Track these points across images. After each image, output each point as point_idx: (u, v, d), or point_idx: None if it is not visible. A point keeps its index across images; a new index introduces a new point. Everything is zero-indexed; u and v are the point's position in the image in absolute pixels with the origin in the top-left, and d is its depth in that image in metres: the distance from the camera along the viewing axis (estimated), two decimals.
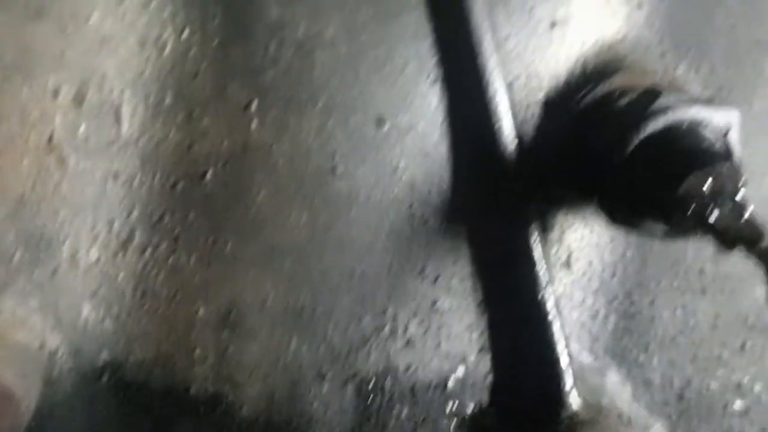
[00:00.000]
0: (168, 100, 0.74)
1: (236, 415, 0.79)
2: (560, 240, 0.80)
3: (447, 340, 0.79)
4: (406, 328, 0.78)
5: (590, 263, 0.82)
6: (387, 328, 0.78)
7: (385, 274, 0.76)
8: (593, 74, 0.77)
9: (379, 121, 0.73)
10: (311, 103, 0.72)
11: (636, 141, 0.67)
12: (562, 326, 0.79)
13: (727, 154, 0.65)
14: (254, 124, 0.73)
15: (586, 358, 0.83)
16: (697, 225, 0.61)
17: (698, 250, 0.81)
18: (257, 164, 0.73)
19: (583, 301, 0.82)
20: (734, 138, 0.69)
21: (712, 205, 0.61)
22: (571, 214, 0.80)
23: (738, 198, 0.61)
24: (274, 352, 0.77)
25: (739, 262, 0.79)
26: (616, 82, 0.75)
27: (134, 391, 0.79)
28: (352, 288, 0.76)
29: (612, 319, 0.83)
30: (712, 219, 0.60)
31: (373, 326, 0.77)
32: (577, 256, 0.81)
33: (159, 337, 0.78)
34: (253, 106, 0.72)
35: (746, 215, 0.60)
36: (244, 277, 0.75)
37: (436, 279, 0.77)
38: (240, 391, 0.78)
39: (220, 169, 0.74)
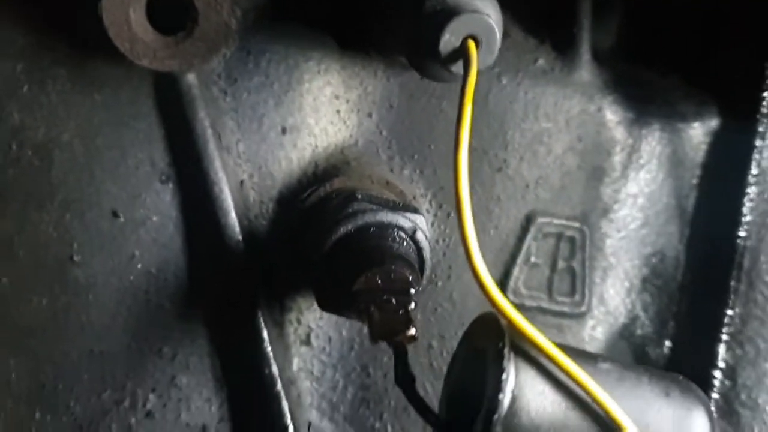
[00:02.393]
0: None
1: None
2: (299, 320, 0.89)
3: (187, 411, 0.86)
4: (145, 402, 0.85)
5: (329, 339, 0.90)
6: (127, 402, 0.84)
7: (124, 353, 0.83)
8: (322, 175, 0.86)
9: (114, 215, 0.81)
10: (50, 198, 0.79)
11: (331, 241, 0.76)
12: (297, 398, 0.87)
13: (403, 256, 0.75)
14: None
15: (326, 425, 0.91)
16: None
17: None
18: (0, 254, 0.80)
19: (324, 373, 0.90)
20: (420, 238, 0.79)
21: (377, 300, 0.69)
22: (309, 296, 0.89)
23: (404, 294, 0.70)
24: (19, 426, 0.82)
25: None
26: (336, 184, 0.84)
27: None
28: (92, 365, 0.82)
29: (350, 389, 0.91)
30: (369, 312, 0.68)
31: (113, 399, 0.84)
32: (317, 333, 0.90)
33: None
34: None
35: (402, 310, 0.69)
36: None
37: (173, 357, 0.85)
38: None
39: None
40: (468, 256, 0.56)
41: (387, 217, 0.77)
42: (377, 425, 0.92)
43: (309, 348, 0.89)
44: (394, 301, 0.68)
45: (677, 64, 1.00)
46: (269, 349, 0.83)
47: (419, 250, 0.78)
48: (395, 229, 0.77)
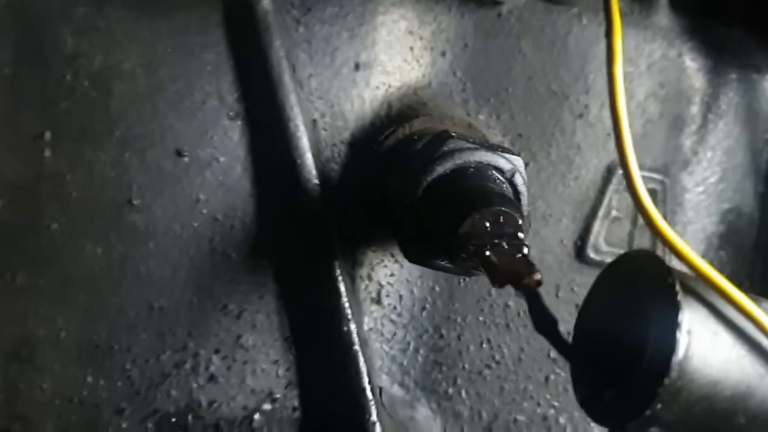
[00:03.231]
0: None
1: None
2: (370, 276, 0.82)
3: (252, 375, 0.79)
4: (208, 364, 0.77)
5: (400, 298, 0.84)
6: (188, 364, 0.76)
7: (186, 309, 0.75)
8: (397, 117, 0.79)
9: (178, 154, 0.73)
10: (107, 134, 0.71)
11: (425, 183, 0.69)
12: (370, 359, 0.80)
13: (509, 197, 0.68)
14: (47, 154, 0.71)
15: (396, 390, 0.84)
16: (477, 263, 0.64)
17: None
18: (51, 195, 0.71)
19: (394, 334, 0.84)
20: (519, 181, 0.72)
21: (489, 244, 0.63)
22: (381, 250, 0.82)
23: (515, 238, 0.64)
24: (69, 388, 0.74)
25: None
26: (416, 125, 0.78)
27: None
28: (150, 323, 0.75)
29: (422, 352, 0.85)
30: (486, 257, 0.62)
31: (173, 362, 0.76)
32: (387, 291, 0.83)
33: None
34: (47, 136, 0.70)
35: (519, 254, 0.62)
36: (35, 311, 0.73)
37: (240, 314, 0.77)
38: (32, 429, 0.75)
39: (11, 199, 0.71)
40: (629, 182, 0.50)
41: (486, 156, 0.70)
42: (450, 391, 0.86)
43: (379, 307, 0.83)
44: (505, 245, 0.62)
45: (746, 16, 0.96)
46: (347, 304, 0.76)
47: (518, 194, 0.72)
48: (494, 170, 0.71)
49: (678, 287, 0.48)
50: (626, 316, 0.52)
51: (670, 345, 0.47)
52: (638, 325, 0.50)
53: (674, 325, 0.47)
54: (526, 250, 0.62)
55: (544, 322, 0.55)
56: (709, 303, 0.50)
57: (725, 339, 0.49)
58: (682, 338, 0.47)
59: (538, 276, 0.58)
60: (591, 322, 0.57)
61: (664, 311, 0.48)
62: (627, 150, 0.51)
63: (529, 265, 0.59)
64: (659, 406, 0.46)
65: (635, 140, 0.87)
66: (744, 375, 0.49)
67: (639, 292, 0.52)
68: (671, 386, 0.46)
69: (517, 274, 0.58)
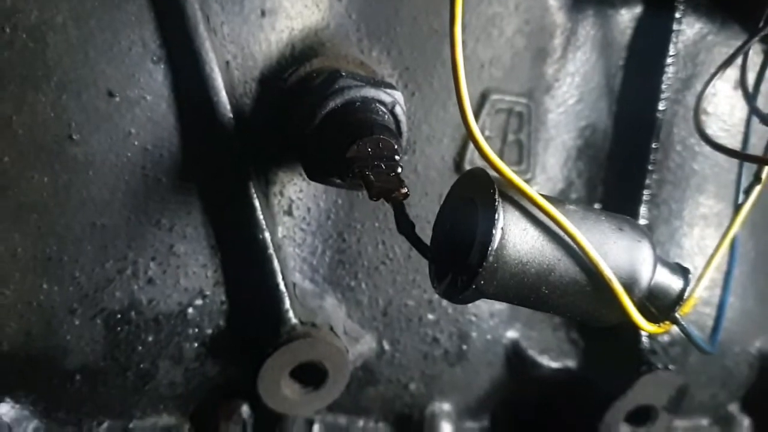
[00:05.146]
0: None
1: None
2: (282, 192, 0.97)
3: (185, 277, 0.94)
4: (146, 270, 0.92)
5: (308, 210, 0.99)
6: (129, 270, 0.91)
7: (124, 225, 0.89)
8: (299, 56, 0.92)
9: (110, 94, 0.85)
10: (46, 79, 0.82)
11: (320, 115, 0.84)
12: (284, 261, 0.97)
13: (388, 127, 0.83)
14: None
15: (308, 285, 1.01)
16: (360, 181, 0.79)
17: None
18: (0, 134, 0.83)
19: (304, 240, 1.00)
20: (399, 112, 0.87)
21: (370, 166, 0.78)
22: (290, 171, 0.97)
23: (391, 160, 0.79)
24: (28, 294, 0.88)
25: (427, 206, 1.01)
26: (315, 64, 0.91)
27: None
28: (94, 238, 0.88)
29: (328, 253, 1.02)
30: (365, 175, 0.77)
31: (116, 269, 0.90)
32: (298, 205, 0.98)
33: None
34: None
35: (393, 173, 0.78)
36: None
37: (171, 228, 0.92)
38: None
39: None
40: (464, 118, 0.65)
41: (370, 92, 0.85)
42: (353, 283, 1.03)
43: (291, 218, 0.98)
44: (383, 166, 0.77)
45: None
46: (261, 216, 0.91)
47: (398, 123, 0.87)
48: (377, 103, 0.85)
49: (497, 195, 0.66)
50: (463, 218, 0.70)
51: (488, 237, 0.64)
52: (470, 224, 0.68)
53: (492, 223, 0.64)
54: (399, 170, 0.77)
55: (404, 226, 0.72)
56: (521, 206, 0.67)
57: (532, 232, 0.67)
58: (497, 233, 0.64)
59: (404, 190, 0.73)
60: (441, 225, 0.75)
61: (486, 213, 0.66)
62: (461, 79, 0.65)
63: (399, 182, 0.75)
64: (482, 282, 0.65)
65: (504, 71, 1.04)
66: (545, 258, 0.67)
67: (471, 200, 0.69)
68: (489, 267, 0.64)
69: (389, 190, 0.73)
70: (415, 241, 0.72)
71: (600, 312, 0.71)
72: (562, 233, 0.68)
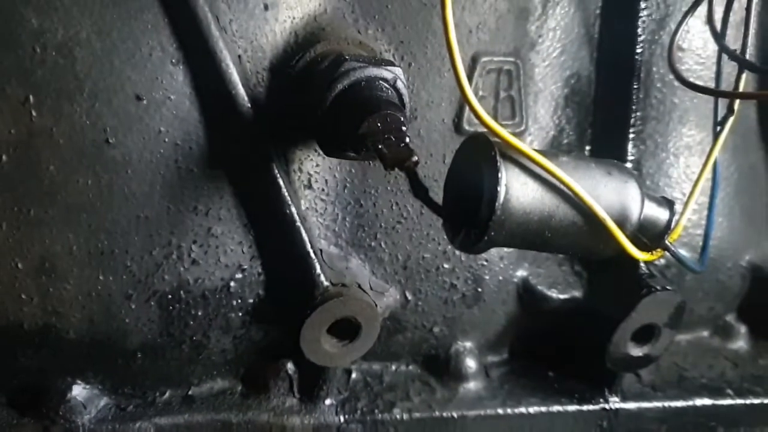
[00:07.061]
0: None
1: (65, 338, 1.00)
2: (300, 168, 1.05)
3: (224, 255, 1.03)
4: (189, 252, 1.01)
5: (326, 182, 1.08)
6: (174, 255, 1.01)
7: (165, 215, 0.98)
8: (303, 43, 1.00)
9: (138, 98, 0.93)
10: (78, 91, 0.90)
11: (330, 98, 0.91)
12: (310, 230, 1.06)
13: (393, 101, 0.91)
14: (34, 114, 0.90)
15: (333, 250, 1.10)
16: (374, 154, 0.87)
17: None
18: (43, 145, 0.91)
19: (326, 209, 1.09)
20: (400, 86, 0.95)
21: (381, 139, 0.87)
22: (306, 148, 1.05)
23: (399, 131, 0.88)
24: (86, 286, 0.97)
25: (433, 166, 1.09)
26: (318, 49, 0.99)
27: None
28: (140, 229, 0.97)
29: (348, 219, 1.11)
30: (379, 148, 0.85)
31: (162, 255, 1.00)
32: (316, 178, 1.07)
33: None
34: (31, 100, 0.89)
35: (402, 144, 0.86)
36: (50, 234, 0.94)
37: (207, 212, 1.00)
38: (65, 320, 0.99)
39: (12, 153, 0.90)
40: (459, 85, 0.74)
41: (373, 71, 0.93)
42: (373, 244, 1.13)
43: (311, 191, 1.07)
44: (393, 138, 0.86)
45: None
46: (285, 192, 1.00)
47: (400, 96, 0.95)
48: (380, 81, 0.93)
49: (498, 156, 0.75)
50: (470, 178, 0.79)
51: (494, 193, 0.74)
52: (476, 184, 0.77)
53: (496, 181, 0.74)
54: (408, 140, 0.85)
55: (419, 190, 0.81)
56: (519, 163, 0.76)
57: (531, 185, 0.76)
58: (501, 189, 0.74)
59: (415, 158, 0.81)
60: (450, 186, 0.84)
61: (490, 172, 0.75)
62: (453, 48, 0.73)
63: (409, 151, 0.83)
64: (493, 233, 0.75)
65: (491, 34, 1.11)
66: (545, 206, 0.77)
67: (476, 161, 0.78)
68: (497, 219, 0.74)
69: (401, 160, 0.82)
70: (430, 203, 0.82)
71: (598, 248, 0.81)
72: (557, 183, 0.77)
